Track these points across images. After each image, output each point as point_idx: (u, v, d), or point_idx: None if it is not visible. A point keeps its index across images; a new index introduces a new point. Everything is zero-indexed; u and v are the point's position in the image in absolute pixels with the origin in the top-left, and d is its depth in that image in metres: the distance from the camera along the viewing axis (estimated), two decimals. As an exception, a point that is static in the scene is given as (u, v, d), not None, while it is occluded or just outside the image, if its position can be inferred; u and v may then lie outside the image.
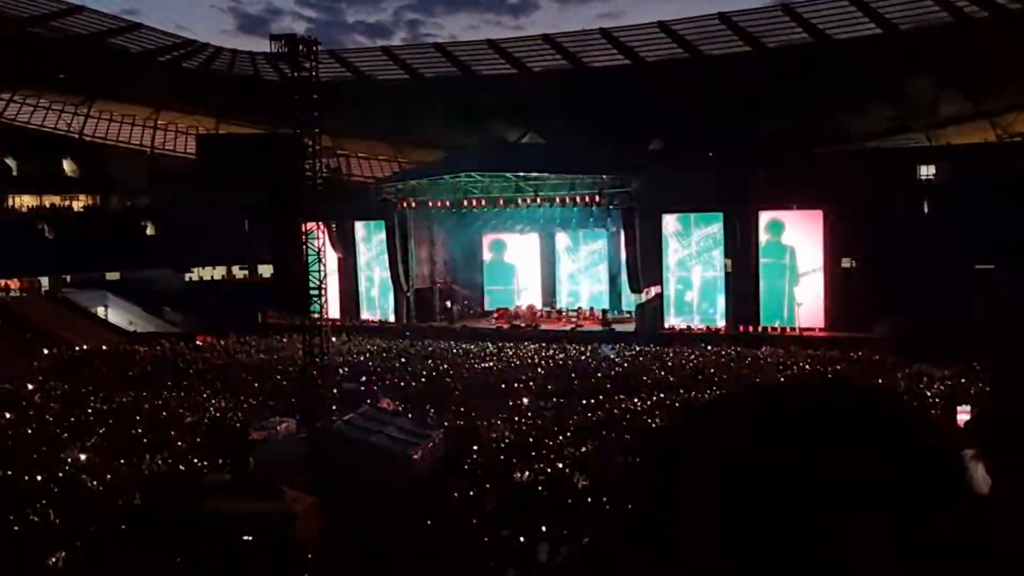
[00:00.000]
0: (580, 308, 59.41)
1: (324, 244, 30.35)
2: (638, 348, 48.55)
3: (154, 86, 79.10)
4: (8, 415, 35.39)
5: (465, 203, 56.82)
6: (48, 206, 76.94)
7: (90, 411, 35.95)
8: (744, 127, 64.07)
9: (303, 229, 28.06)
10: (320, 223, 29.96)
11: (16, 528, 22.30)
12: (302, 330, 28.55)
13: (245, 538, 21.19)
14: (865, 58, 59.53)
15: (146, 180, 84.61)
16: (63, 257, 68.40)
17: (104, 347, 54.65)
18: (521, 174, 55.73)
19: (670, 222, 53.60)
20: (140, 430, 32.23)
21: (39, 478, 26.60)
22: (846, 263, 52.39)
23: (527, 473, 25.99)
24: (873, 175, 53.60)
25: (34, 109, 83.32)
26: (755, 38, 63.21)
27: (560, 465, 26.50)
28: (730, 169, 53.93)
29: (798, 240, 51.45)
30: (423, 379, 41.53)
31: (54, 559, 20.77)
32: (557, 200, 55.39)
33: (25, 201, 76.19)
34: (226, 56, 79.46)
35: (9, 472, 27.14)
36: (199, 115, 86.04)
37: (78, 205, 79.06)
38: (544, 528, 20.91)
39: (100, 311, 66.32)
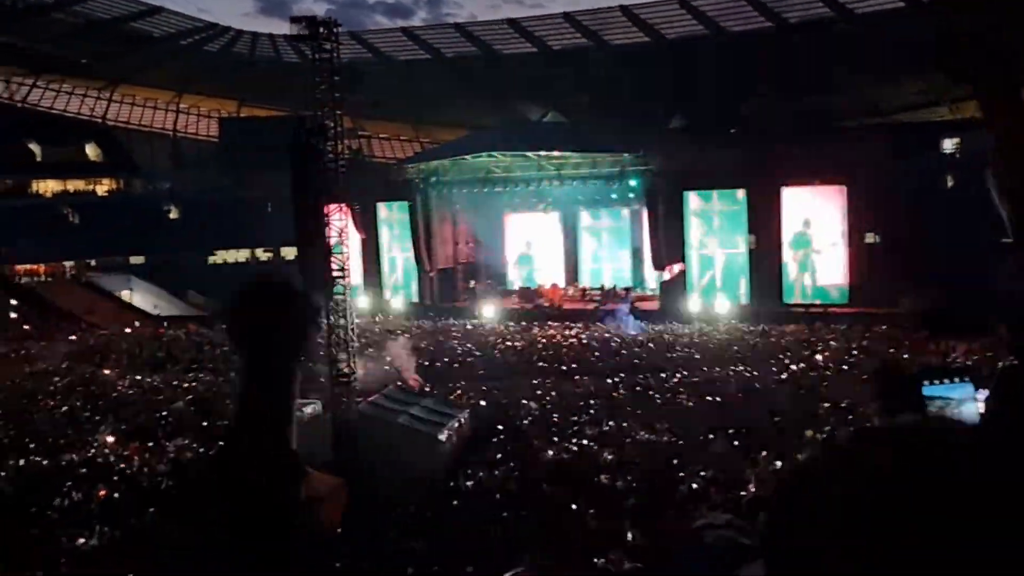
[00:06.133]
0: (603, 286, 59.24)
1: (347, 226, 30.36)
2: (662, 325, 48.44)
3: (176, 70, 79.35)
4: (36, 398, 35.72)
5: (487, 183, 56.70)
6: (72, 191, 77.27)
7: (116, 394, 36.20)
8: (766, 103, 63.71)
9: (325, 211, 28.04)
10: (342, 204, 29.94)
11: (46, 511, 22.48)
12: (326, 312, 28.57)
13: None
14: (887, 31, 58.92)
15: (169, 164, 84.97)
16: (87, 241, 68.74)
17: (129, 330, 54.96)
18: (543, 153, 55.58)
19: (692, 199, 53.29)
20: (166, 412, 32.42)
21: (67, 461, 26.82)
22: (870, 238, 52.03)
23: (553, 451, 26.04)
24: (897, 149, 53.18)
25: (57, 94, 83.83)
26: (776, 13, 62.69)
27: (586, 443, 26.54)
28: (752, 145, 53.62)
29: (817, 214, 51.17)
30: (447, 359, 41.60)
31: (82, 541, 20.94)
32: (579, 179, 55.24)
33: (50, 186, 76.53)
34: (247, 39, 79.54)
35: (37, 456, 27.36)
36: (221, 98, 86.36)
37: (102, 189, 79.34)
38: (573, 506, 20.93)
39: (125, 294, 66.69)
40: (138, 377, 39.72)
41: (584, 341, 44.94)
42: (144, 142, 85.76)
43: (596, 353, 41.57)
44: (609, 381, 35.22)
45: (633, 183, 54.16)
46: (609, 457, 24.99)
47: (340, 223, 29.19)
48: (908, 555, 0.93)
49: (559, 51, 71.77)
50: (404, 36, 77.32)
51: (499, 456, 26.06)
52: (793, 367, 36.33)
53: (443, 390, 34.46)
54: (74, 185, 77.65)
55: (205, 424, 30.54)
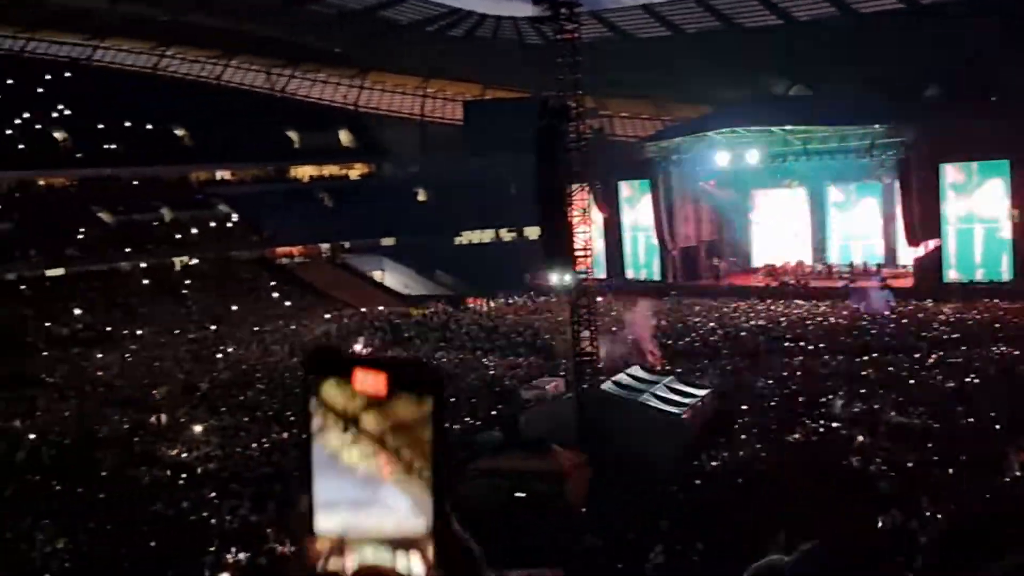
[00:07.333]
0: (852, 263, 57.34)
1: (589, 205, 30.49)
2: (916, 304, 46.48)
3: (423, 55, 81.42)
4: (297, 374, 37.53)
5: (731, 159, 55.76)
6: (327, 175, 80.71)
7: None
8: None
9: (568, 190, 28.22)
10: (585, 184, 30.07)
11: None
12: (568, 290, 28.81)
13: (517, 494, 21.66)
14: None
15: (417, 148, 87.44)
16: (341, 224, 71.57)
17: (382, 308, 56.98)
18: (789, 127, 54.19)
19: (949, 172, 50.86)
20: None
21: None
22: None
23: (799, 433, 25.45)
24: None
25: (313, 83, 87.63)
26: (1041, -29, 58.82)
27: (834, 424, 25.78)
28: (1016, 114, 50.62)
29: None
30: (690, 337, 41.24)
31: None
32: (827, 153, 53.56)
33: (306, 171, 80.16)
34: (490, 22, 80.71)
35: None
36: (466, 82, 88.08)
37: (354, 174, 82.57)
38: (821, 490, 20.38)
39: (377, 275, 69.12)
40: (390, 354, 41.04)
41: (832, 320, 43.68)
42: (393, 127, 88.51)
43: (844, 332, 40.32)
44: (859, 360, 34.12)
45: (885, 156, 52.08)
46: (859, 440, 24.20)
47: (582, 202, 29.33)
48: None
49: (805, 21, 69.66)
50: (645, 13, 76.67)
51: (743, 437, 25.67)
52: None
53: (686, 369, 34.15)
54: (328, 170, 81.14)
55: (453, 401, 31.30)
